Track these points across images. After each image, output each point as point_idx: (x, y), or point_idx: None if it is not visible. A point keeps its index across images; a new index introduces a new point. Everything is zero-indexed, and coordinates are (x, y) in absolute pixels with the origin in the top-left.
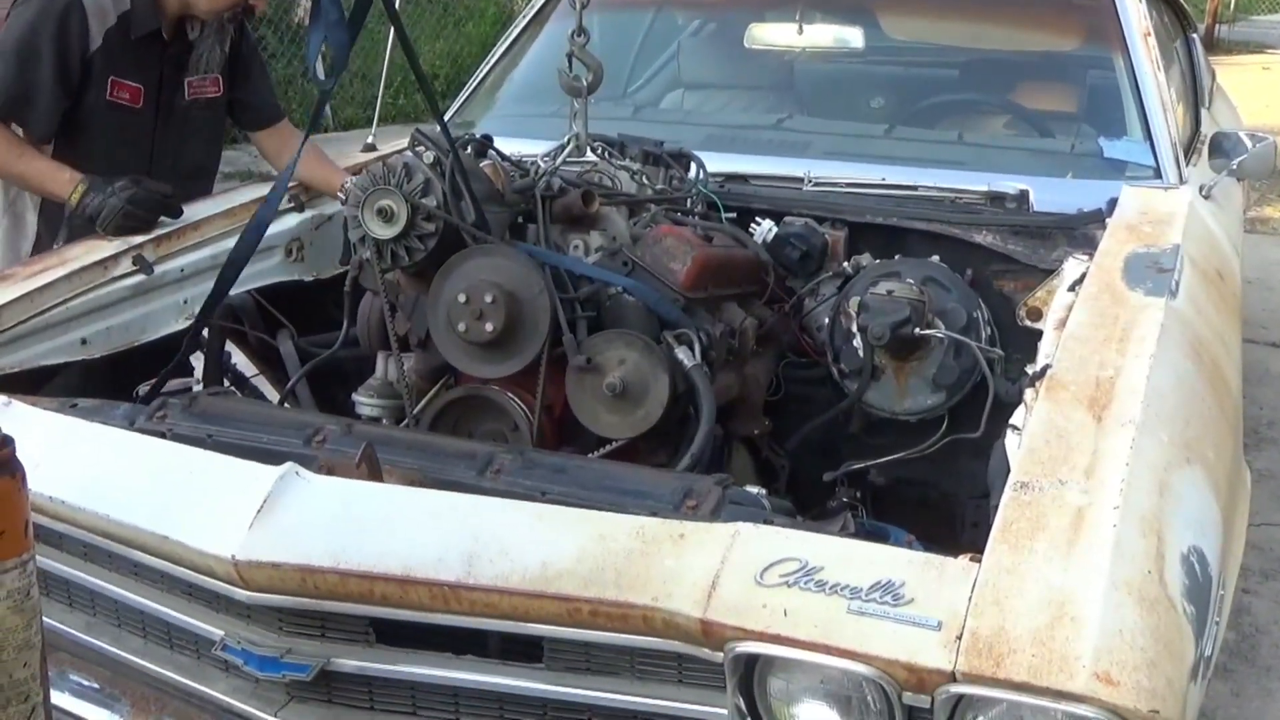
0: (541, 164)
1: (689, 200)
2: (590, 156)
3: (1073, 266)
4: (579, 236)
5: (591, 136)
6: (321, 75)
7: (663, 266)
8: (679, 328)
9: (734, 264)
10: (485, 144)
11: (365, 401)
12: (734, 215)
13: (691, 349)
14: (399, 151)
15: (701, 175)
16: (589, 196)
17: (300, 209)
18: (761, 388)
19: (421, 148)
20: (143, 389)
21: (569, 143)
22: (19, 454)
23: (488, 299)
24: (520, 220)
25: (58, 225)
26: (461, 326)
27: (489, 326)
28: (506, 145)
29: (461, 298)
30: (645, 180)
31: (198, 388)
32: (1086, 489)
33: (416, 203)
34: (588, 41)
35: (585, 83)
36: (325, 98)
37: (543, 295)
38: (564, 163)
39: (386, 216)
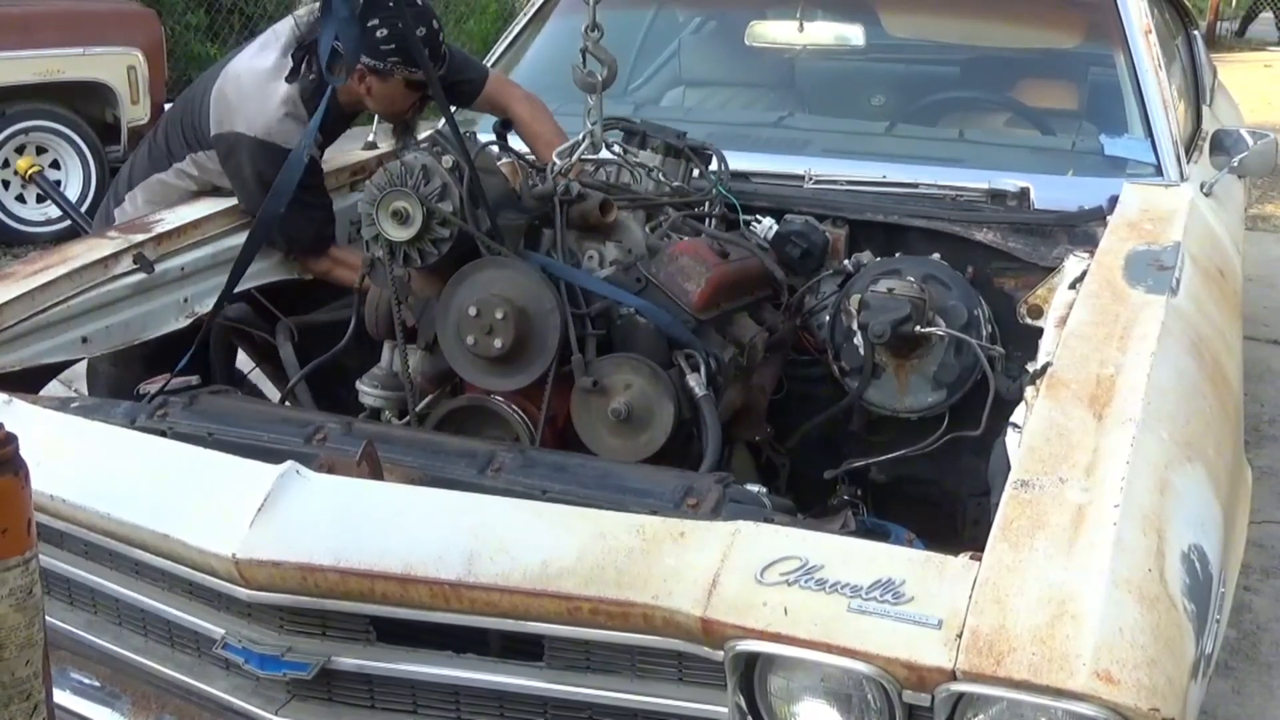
0: (557, 161)
1: (708, 203)
2: (606, 154)
3: (1073, 264)
4: (595, 246)
5: (611, 122)
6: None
7: (677, 286)
8: (688, 349)
9: (747, 276)
10: (502, 131)
11: (369, 391)
12: (748, 218)
13: (699, 373)
14: (404, 150)
15: (722, 171)
16: (607, 206)
17: None
18: (766, 395)
19: (439, 149)
20: (145, 387)
21: (584, 139)
22: (21, 452)
23: (498, 314)
24: (536, 223)
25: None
26: (470, 340)
27: (498, 342)
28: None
29: (472, 311)
30: (662, 178)
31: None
32: (1087, 487)
33: (433, 207)
34: (601, 36)
35: (600, 78)
36: (332, 95)
37: (554, 314)
38: (578, 159)
39: (401, 218)
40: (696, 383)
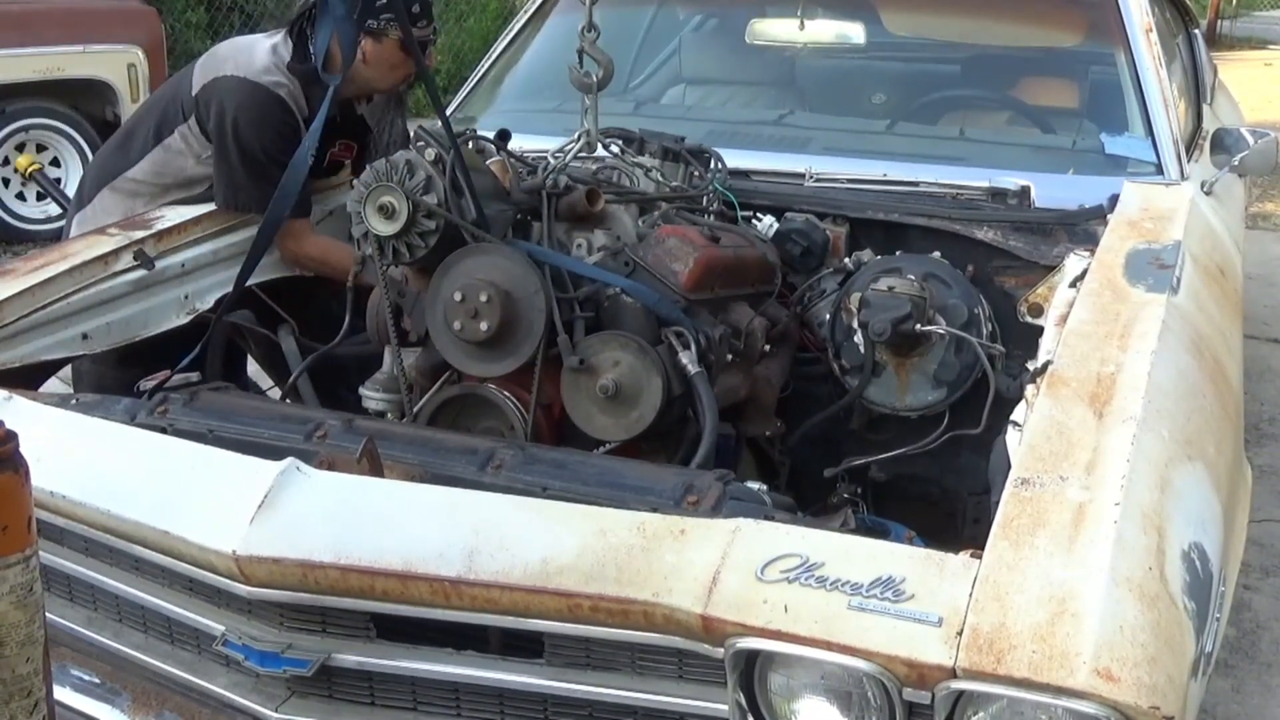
0: (551, 160)
1: (704, 199)
2: (603, 153)
3: (1074, 262)
4: (583, 235)
5: (609, 131)
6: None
7: (665, 267)
8: (677, 327)
9: (743, 264)
10: (501, 141)
11: (372, 395)
12: (747, 215)
13: (689, 351)
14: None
15: (720, 172)
16: (594, 195)
17: None
18: (774, 388)
19: (422, 144)
20: (145, 384)
21: (580, 139)
22: (21, 449)
23: (483, 298)
24: (525, 217)
25: None
26: (457, 325)
27: (484, 325)
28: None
29: (457, 296)
30: (661, 178)
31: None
32: (1087, 485)
33: (418, 200)
34: (598, 37)
35: (596, 79)
36: (334, 94)
37: (539, 295)
38: (574, 159)
39: (388, 213)
40: (688, 360)
